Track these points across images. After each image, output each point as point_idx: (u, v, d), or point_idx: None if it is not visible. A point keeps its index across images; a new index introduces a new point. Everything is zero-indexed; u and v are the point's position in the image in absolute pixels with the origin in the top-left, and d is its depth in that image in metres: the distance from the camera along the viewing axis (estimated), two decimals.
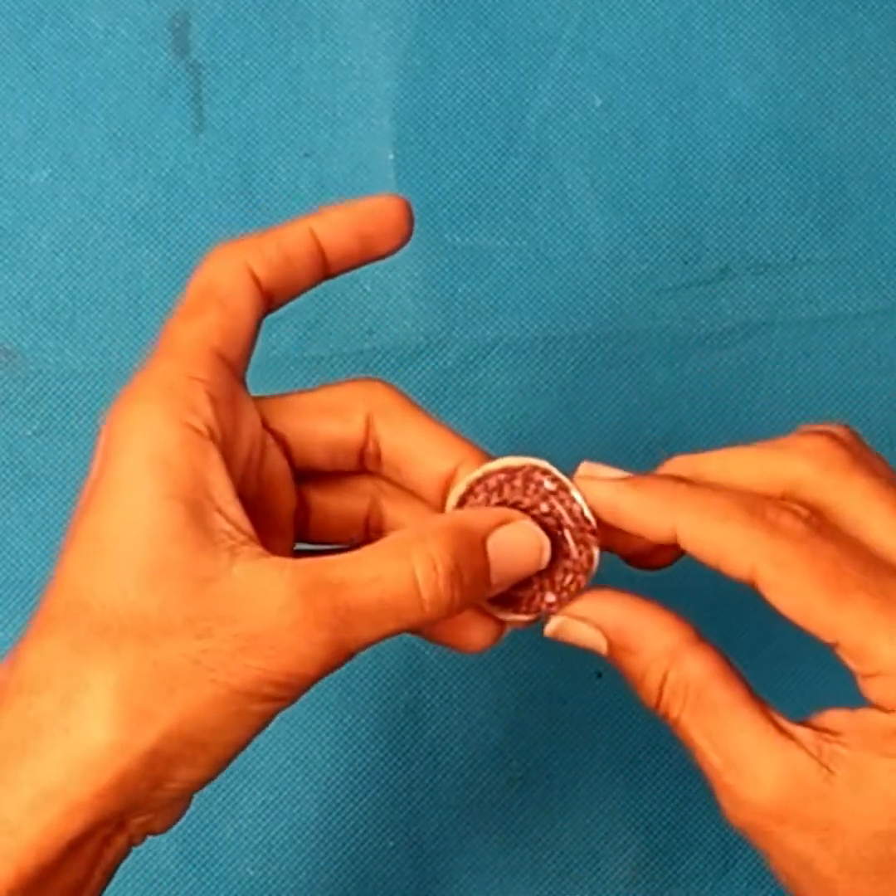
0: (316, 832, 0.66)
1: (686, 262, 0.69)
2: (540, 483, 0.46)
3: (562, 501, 0.46)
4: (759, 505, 0.44)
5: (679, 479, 0.45)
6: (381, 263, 0.68)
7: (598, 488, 0.46)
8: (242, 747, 0.43)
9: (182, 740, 0.42)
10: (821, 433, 0.46)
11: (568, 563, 0.46)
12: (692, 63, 0.69)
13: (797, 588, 0.43)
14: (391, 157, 0.68)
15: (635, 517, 0.45)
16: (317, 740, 0.66)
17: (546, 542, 0.45)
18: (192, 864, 0.65)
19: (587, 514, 0.46)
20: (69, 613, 0.43)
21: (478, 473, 0.46)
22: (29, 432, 0.66)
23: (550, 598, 0.46)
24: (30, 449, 0.66)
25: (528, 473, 0.46)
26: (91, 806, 0.42)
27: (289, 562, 0.43)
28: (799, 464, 0.45)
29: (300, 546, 0.49)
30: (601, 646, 0.47)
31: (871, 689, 0.44)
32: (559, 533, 0.46)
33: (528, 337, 0.67)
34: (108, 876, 0.45)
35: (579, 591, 0.46)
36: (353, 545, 0.46)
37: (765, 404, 0.68)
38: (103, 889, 0.45)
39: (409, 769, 0.66)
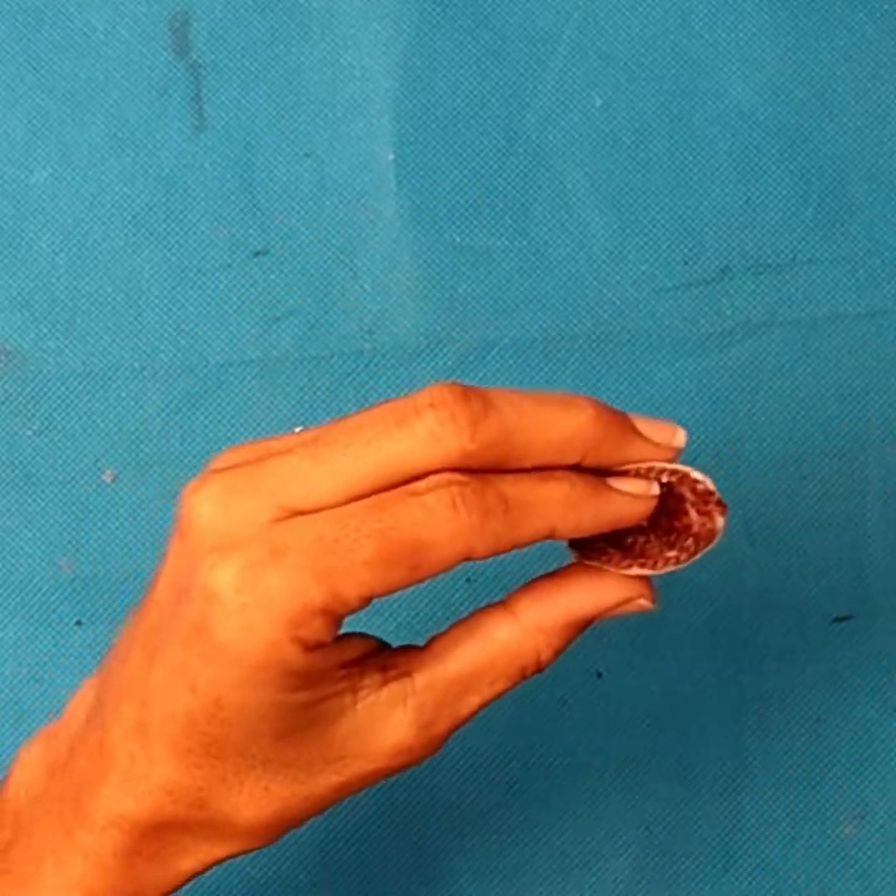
0: (316, 832, 0.66)
1: (686, 262, 0.69)
2: (656, 478, 0.45)
3: (683, 484, 0.45)
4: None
5: None
6: (381, 264, 0.69)
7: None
8: None
9: None
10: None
11: (693, 531, 0.46)
12: (692, 63, 0.69)
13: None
14: (391, 157, 0.68)
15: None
16: None
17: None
18: None
19: (710, 486, 0.45)
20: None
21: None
22: (29, 432, 0.66)
23: (681, 556, 0.46)
24: (30, 449, 0.66)
25: (642, 472, 0.45)
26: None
27: (410, 695, 0.45)
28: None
29: None
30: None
31: None
32: (680, 506, 0.45)
33: (528, 337, 0.67)
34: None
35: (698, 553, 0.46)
36: None
37: (765, 404, 0.68)
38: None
39: (410, 769, 0.66)
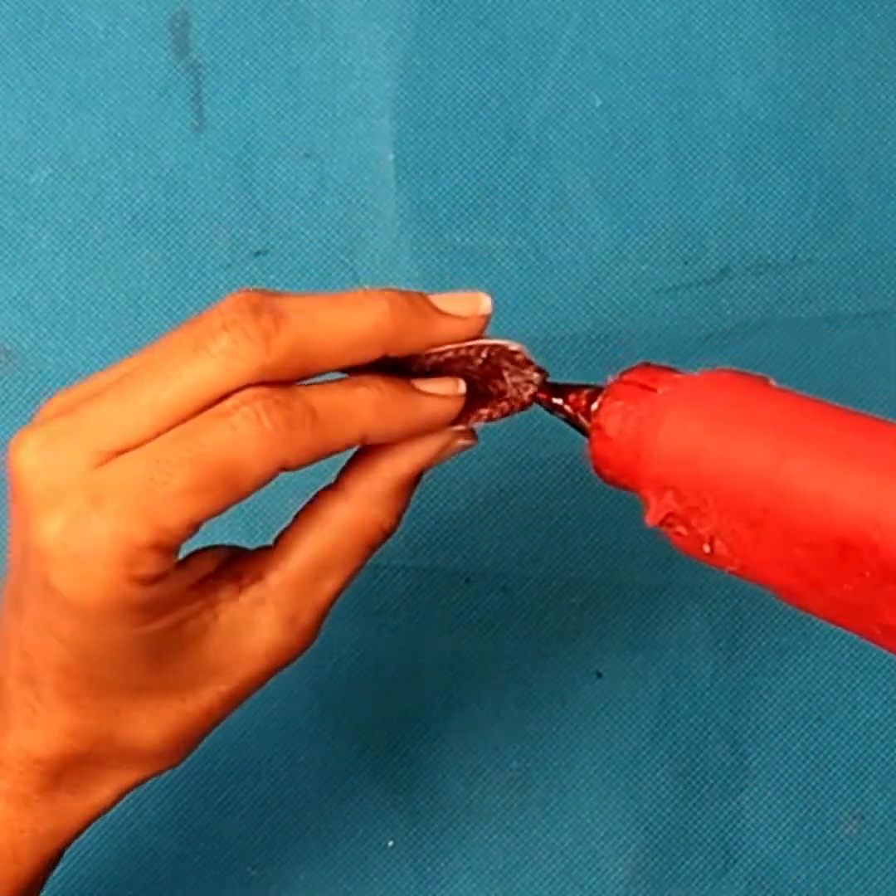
0: (316, 832, 0.66)
1: (686, 262, 0.69)
2: (476, 355, 0.47)
3: (502, 356, 0.47)
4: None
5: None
6: (381, 264, 0.69)
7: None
8: None
9: None
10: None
11: (507, 396, 0.48)
12: (692, 63, 0.69)
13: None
14: (391, 157, 0.68)
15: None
16: (317, 740, 0.66)
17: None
18: (192, 864, 0.65)
19: (527, 355, 0.47)
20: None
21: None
22: None
23: (493, 413, 0.48)
24: None
25: (464, 354, 0.47)
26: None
27: (267, 596, 0.46)
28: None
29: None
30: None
31: None
32: (497, 373, 0.47)
33: (528, 337, 0.67)
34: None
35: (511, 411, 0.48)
36: None
37: None
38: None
39: (409, 769, 0.66)
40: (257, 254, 0.67)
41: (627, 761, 0.66)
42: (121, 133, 0.68)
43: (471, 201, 0.68)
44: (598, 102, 0.69)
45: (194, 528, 0.42)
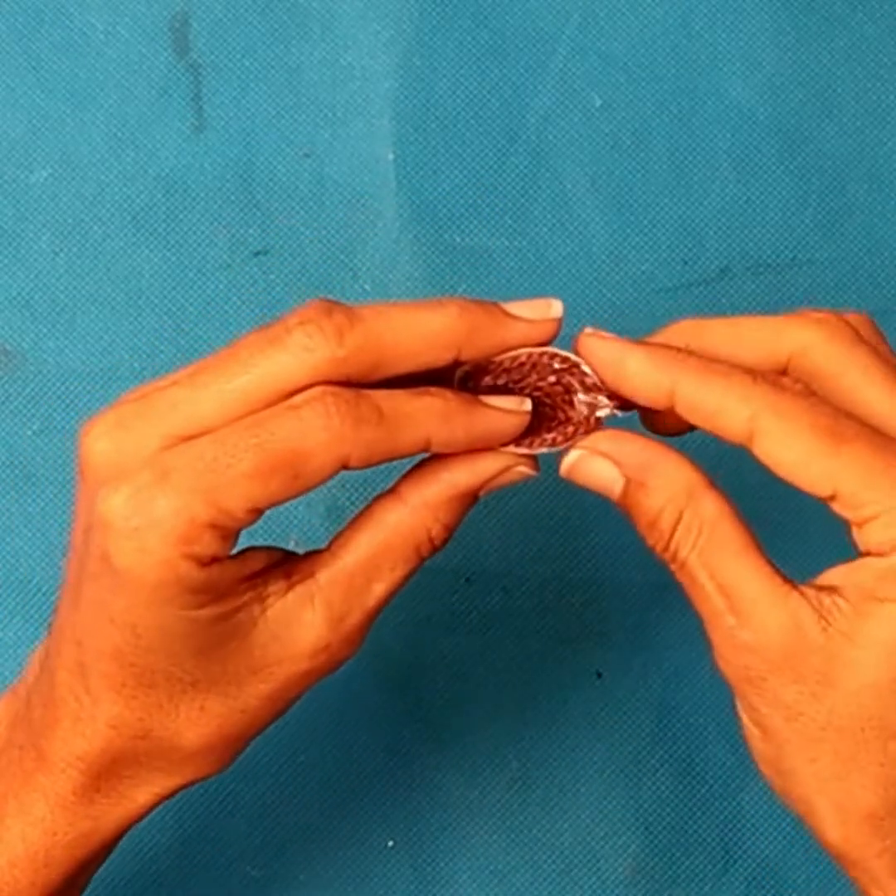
0: (316, 832, 0.66)
1: (686, 262, 0.69)
2: (548, 365, 0.47)
3: (572, 375, 0.47)
4: (759, 369, 0.45)
5: (684, 347, 0.46)
6: (381, 264, 0.69)
7: (604, 348, 0.46)
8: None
9: None
10: (829, 312, 0.47)
11: (574, 421, 0.47)
12: (692, 63, 0.69)
13: (797, 435, 0.44)
14: (391, 157, 0.68)
15: (637, 374, 0.45)
16: (317, 740, 0.66)
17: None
18: (192, 864, 0.65)
19: (597, 381, 0.47)
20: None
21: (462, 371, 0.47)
22: (29, 432, 0.66)
23: (558, 438, 0.47)
24: (30, 449, 0.66)
25: (536, 360, 0.47)
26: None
27: (316, 593, 0.46)
28: (805, 331, 0.46)
29: None
30: (616, 485, 0.46)
31: (868, 535, 0.44)
32: (567, 398, 0.47)
33: None
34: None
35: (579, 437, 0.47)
36: None
37: None
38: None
39: (409, 769, 0.66)
40: (257, 254, 0.67)
41: (627, 761, 0.66)
42: (121, 133, 0.68)
43: (471, 201, 0.68)
44: (598, 102, 0.69)
45: (254, 514, 0.43)
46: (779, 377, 0.45)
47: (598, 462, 0.46)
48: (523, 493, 0.66)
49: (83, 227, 0.67)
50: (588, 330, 0.47)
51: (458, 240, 0.68)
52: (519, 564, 0.67)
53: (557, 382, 0.47)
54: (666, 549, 0.46)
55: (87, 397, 0.66)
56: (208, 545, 0.43)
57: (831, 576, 0.45)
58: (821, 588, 0.45)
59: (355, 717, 0.66)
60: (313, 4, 0.69)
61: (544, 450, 0.47)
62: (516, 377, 0.47)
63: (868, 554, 0.44)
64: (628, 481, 0.46)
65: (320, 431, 0.43)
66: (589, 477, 0.47)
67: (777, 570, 0.45)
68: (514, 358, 0.47)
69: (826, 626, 0.44)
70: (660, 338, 0.47)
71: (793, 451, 0.44)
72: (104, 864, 0.51)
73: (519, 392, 0.47)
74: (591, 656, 0.67)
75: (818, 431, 0.43)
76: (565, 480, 0.47)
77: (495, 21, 0.69)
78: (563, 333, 0.63)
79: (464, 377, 0.47)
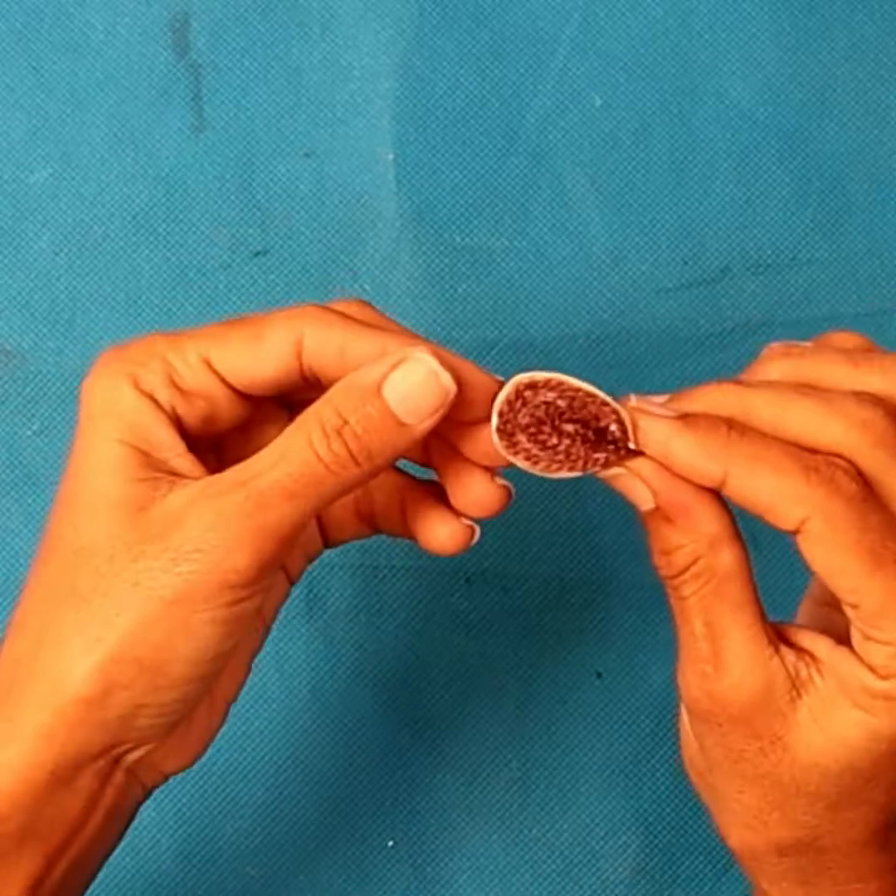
0: (316, 832, 0.66)
1: (686, 262, 0.69)
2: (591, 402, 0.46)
3: (609, 414, 0.46)
4: (812, 460, 0.44)
5: (730, 423, 0.45)
6: (381, 264, 0.69)
7: (655, 427, 0.46)
8: (210, 661, 0.45)
9: (134, 663, 0.44)
10: (876, 403, 0.45)
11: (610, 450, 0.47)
12: (692, 63, 0.69)
13: (842, 549, 0.44)
14: (391, 157, 0.68)
15: (687, 461, 0.45)
16: (317, 740, 0.66)
17: (441, 370, 0.45)
18: (192, 864, 0.65)
19: (631, 443, 0.46)
20: (45, 559, 0.47)
21: (525, 378, 0.46)
22: (29, 432, 0.66)
23: (599, 455, 0.46)
24: (30, 449, 0.66)
25: (578, 394, 0.46)
26: (62, 735, 0.44)
27: (210, 476, 0.45)
28: (850, 434, 0.45)
29: None
30: (646, 505, 0.46)
31: (872, 653, 0.44)
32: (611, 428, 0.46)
33: (528, 337, 0.67)
34: (116, 818, 0.47)
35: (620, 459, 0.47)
36: None
37: None
38: (115, 833, 0.48)
39: (409, 769, 0.66)
40: (257, 254, 0.67)
41: (627, 761, 0.66)
42: (121, 133, 0.68)
43: (471, 201, 0.68)
44: (598, 102, 0.69)
45: (207, 368, 0.47)
46: (834, 470, 0.44)
47: (637, 482, 0.46)
48: (523, 494, 0.66)
49: (83, 227, 0.67)
50: (633, 400, 0.47)
51: (458, 240, 0.68)
52: (519, 564, 0.67)
53: (594, 416, 0.46)
54: (670, 579, 0.46)
55: None
56: (158, 387, 0.46)
57: (816, 644, 0.46)
58: (801, 651, 0.46)
59: (355, 717, 0.66)
60: (313, 4, 0.69)
61: (591, 470, 0.47)
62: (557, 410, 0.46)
63: (861, 658, 0.45)
64: (659, 507, 0.46)
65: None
66: (626, 488, 0.47)
67: (766, 629, 0.46)
68: (571, 387, 0.46)
69: (795, 698, 0.45)
70: (700, 404, 0.47)
71: (834, 560, 0.44)
72: (104, 865, 0.51)
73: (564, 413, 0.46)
74: (591, 656, 0.67)
75: (862, 551, 0.44)
76: (565, 481, 0.47)
77: (495, 21, 0.69)
78: (566, 334, 0.63)
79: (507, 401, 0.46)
